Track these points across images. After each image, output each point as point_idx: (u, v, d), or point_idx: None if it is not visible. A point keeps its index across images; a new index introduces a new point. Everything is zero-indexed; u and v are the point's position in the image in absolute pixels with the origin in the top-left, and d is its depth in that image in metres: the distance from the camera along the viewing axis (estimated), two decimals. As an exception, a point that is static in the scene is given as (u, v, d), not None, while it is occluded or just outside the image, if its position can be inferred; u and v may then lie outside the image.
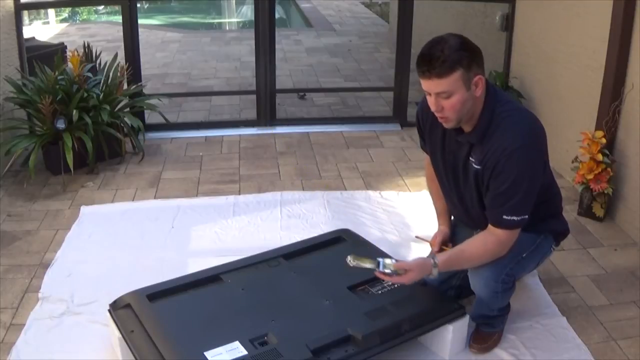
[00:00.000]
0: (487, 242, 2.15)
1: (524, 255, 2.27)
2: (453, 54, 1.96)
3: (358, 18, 10.50)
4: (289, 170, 4.16)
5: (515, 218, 2.09)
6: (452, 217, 2.57)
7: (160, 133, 4.73)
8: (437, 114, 2.09)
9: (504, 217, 2.09)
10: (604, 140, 3.33)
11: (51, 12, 9.82)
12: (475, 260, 2.18)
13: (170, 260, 3.01)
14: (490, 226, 2.15)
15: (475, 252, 2.17)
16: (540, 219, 2.26)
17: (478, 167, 2.15)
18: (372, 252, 2.71)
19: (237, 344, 2.07)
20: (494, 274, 2.23)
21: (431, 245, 2.56)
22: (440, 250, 2.52)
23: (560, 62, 3.98)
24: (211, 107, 5.46)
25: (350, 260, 2.16)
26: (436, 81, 1.99)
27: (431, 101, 2.07)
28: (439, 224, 2.59)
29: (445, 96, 2.01)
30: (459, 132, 2.18)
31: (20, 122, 4.03)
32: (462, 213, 2.42)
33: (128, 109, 4.37)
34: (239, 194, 3.79)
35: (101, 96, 4.09)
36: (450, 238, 2.54)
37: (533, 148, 2.09)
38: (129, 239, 3.25)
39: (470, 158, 2.19)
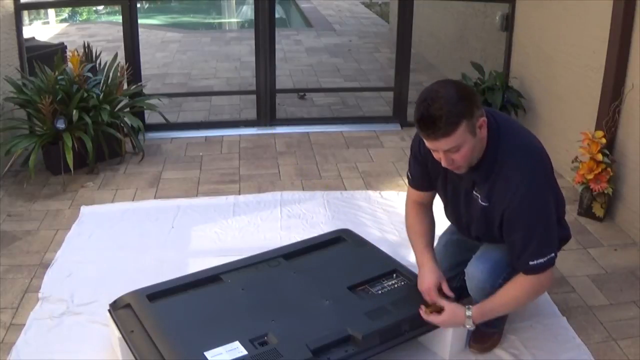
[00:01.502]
0: (522, 285, 2.11)
1: None
2: (453, 108, 1.90)
3: (358, 18, 10.50)
4: (289, 170, 4.16)
5: (541, 260, 2.05)
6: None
7: (160, 133, 4.73)
8: (448, 167, 2.06)
9: (530, 263, 2.05)
10: (604, 140, 3.33)
11: (51, 12, 9.81)
12: (513, 304, 2.15)
13: (170, 260, 3.00)
14: (524, 275, 2.11)
15: (512, 296, 2.12)
16: None
17: (485, 204, 2.14)
18: (372, 252, 2.72)
19: (237, 344, 2.07)
20: (490, 279, 2.22)
21: (425, 290, 2.26)
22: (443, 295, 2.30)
23: (560, 62, 3.98)
24: (211, 107, 5.46)
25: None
26: (443, 140, 1.94)
27: (440, 157, 2.02)
28: (424, 263, 2.31)
29: (455, 150, 1.97)
30: None
31: (20, 122, 4.03)
32: (462, 229, 2.42)
33: (128, 109, 4.37)
34: (239, 194, 3.79)
35: (101, 96, 4.09)
36: (442, 275, 2.30)
37: (542, 187, 2.06)
38: (129, 239, 3.25)
39: (475, 192, 2.17)
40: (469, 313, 2.15)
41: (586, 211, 3.48)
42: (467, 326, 2.18)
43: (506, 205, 2.05)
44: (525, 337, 2.49)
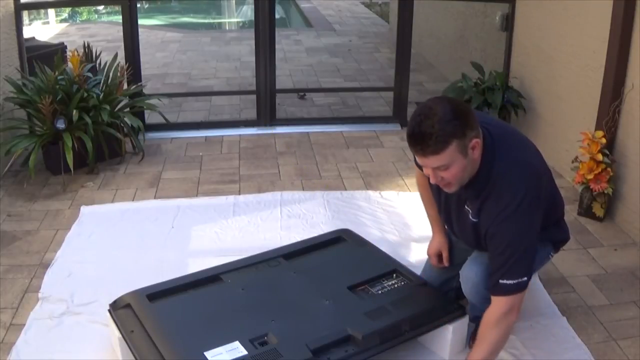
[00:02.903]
0: (494, 320, 2.05)
1: None
2: (445, 127, 1.88)
3: (358, 18, 10.49)
4: (289, 170, 4.16)
5: (511, 282, 2.01)
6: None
7: (160, 133, 4.73)
8: (437, 184, 2.05)
9: (500, 281, 2.02)
10: (604, 140, 3.33)
11: (51, 12, 9.80)
12: (498, 341, 2.07)
13: (170, 260, 3.00)
14: (492, 298, 2.09)
15: (491, 335, 2.05)
16: (542, 227, 2.19)
17: (475, 220, 2.14)
18: (372, 252, 2.72)
19: (237, 344, 2.08)
20: (484, 282, 2.20)
21: (428, 254, 2.57)
22: (439, 260, 2.53)
23: (560, 62, 3.98)
24: (211, 107, 5.46)
25: None
26: (432, 158, 1.93)
27: (429, 173, 2.01)
28: (434, 232, 2.57)
29: (444, 168, 1.96)
30: None
31: (20, 122, 4.03)
32: (455, 235, 2.43)
33: (128, 109, 4.37)
34: (239, 194, 3.79)
35: (101, 96, 4.09)
36: (445, 245, 2.53)
37: (528, 211, 2.02)
38: (129, 239, 3.25)
39: (466, 207, 2.18)
40: None
41: (586, 211, 3.48)
42: None
43: (490, 223, 2.05)
44: (525, 337, 2.49)
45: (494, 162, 2.04)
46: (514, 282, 2.02)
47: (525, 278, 2.03)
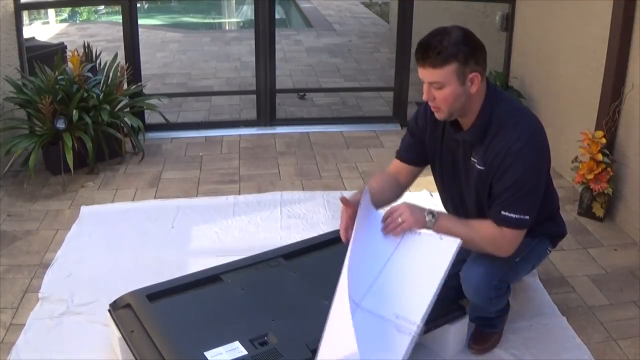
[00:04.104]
0: (484, 227, 2.11)
1: (517, 259, 2.24)
2: (451, 47, 1.96)
3: (358, 18, 10.49)
4: (289, 170, 4.16)
5: (512, 215, 2.05)
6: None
7: (160, 133, 4.73)
8: (429, 103, 2.10)
9: (502, 212, 2.06)
10: (604, 140, 3.33)
11: (51, 12, 9.80)
12: (475, 237, 2.11)
13: (170, 260, 3.01)
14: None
15: (479, 231, 2.10)
16: (537, 222, 2.20)
17: (482, 167, 2.14)
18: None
19: (237, 344, 2.08)
20: (486, 281, 2.21)
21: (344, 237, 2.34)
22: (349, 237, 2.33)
23: (560, 62, 3.98)
24: (211, 107, 5.46)
25: None
26: (429, 70, 2.00)
27: (425, 89, 2.08)
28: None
29: (438, 86, 2.02)
30: (456, 130, 2.18)
31: (20, 122, 4.03)
32: (461, 213, 2.41)
33: (128, 109, 4.37)
34: (239, 194, 3.79)
35: (101, 96, 4.09)
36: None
37: (538, 147, 2.08)
38: (129, 239, 3.25)
39: (472, 159, 2.18)
40: (433, 214, 2.12)
41: (586, 211, 3.48)
42: (427, 221, 2.11)
43: (501, 159, 2.06)
44: (526, 337, 2.49)
45: (495, 107, 2.09)
46: (516, 216, 2.06)
47: (527, 217, 2.07)
